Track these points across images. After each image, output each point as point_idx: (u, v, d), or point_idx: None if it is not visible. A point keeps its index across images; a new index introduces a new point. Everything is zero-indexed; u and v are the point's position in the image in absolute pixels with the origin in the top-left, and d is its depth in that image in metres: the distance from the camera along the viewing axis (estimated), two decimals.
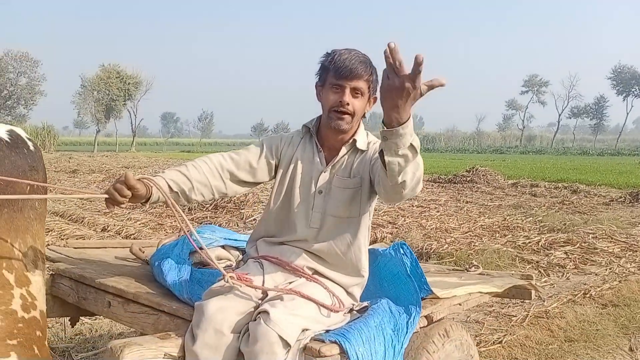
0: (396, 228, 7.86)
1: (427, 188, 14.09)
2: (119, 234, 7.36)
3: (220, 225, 7.89)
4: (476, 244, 6.71)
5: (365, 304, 2.09)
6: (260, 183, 2.17)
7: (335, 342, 1.72)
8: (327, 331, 1.85)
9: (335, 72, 1.96)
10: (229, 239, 2.66)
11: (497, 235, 7.53)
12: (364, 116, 2.09)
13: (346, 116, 1.98)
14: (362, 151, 2.08)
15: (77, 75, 58.08)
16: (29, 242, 1.89)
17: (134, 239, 6.95)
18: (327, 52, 2.04)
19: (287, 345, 1.68)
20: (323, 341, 1.74)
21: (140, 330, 2.18)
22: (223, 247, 2.60)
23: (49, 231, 7.25)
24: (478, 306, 4.35)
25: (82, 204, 10.33)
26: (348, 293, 2.10)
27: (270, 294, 1.88)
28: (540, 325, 4.11)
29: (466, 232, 7.65)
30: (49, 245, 2.97)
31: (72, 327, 2.82)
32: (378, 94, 1.98)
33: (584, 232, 7.36)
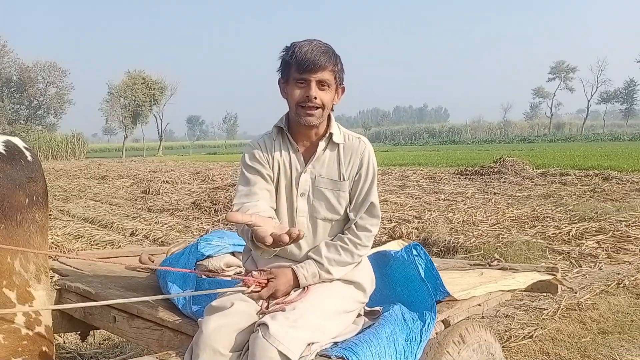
0: (422, 222, 7.78)
1: (453, 181, 13.94)
2: (147, 238, 7.45)
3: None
4: (504, 236, 6.60)
5: (377, 308, 2.03)
6: None
7: (342, 358, 1.65)
8: (335, 344, 1.77)
9: (297, 66, 1.87)
10: (239, 245, 2.60)
11: (526, 226, 7.39)
12: (332, 109, 1.99)
13: (315, 111, 1.90)
14: (340, 144, 2.00)
15: (104, 83, 59.21)
16: (30, 257, 1.83)
17: (162, 242, 7.04)
18: (286, 46, 1.94)
19: None
20: (329, 357, 1.67)
21: (145, 347, 2.18)
22: (232, 253, 2.56)
23: (79, 237, 7.40)
24: (508, 300, 4.27)
25: (112, 210, 10.52)
26: (355, 284, 1.99)
27: (272, 306, 1.79)
28: (572, 317, 4.01)
29: (494, 225, 7.53)
30: (57, 258, 2.99)
31: (83, 341, 2.84)
32: (345, 84, 2.01)
33: (617, 220, 7.17)
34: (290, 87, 1.92)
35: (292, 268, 1.88)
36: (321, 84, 1.89)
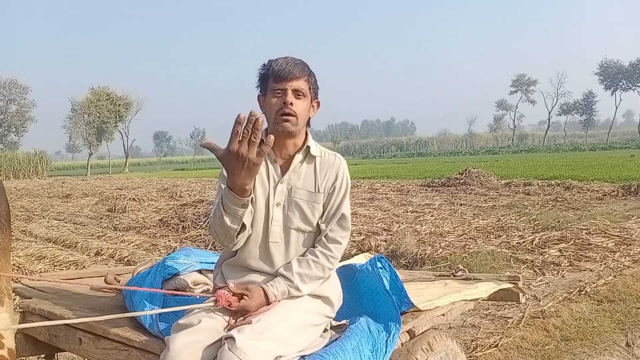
0: (391, 235, 7.85)
1: (421, 193, 14.12)
2: (113, 257, 7.31)
3: (214, 244, 7.87)
4: (470, 246, 6.71)
5: (344, 321, 2.06)
6: None
7: None
8: (302, 357, 1.79)
9: (274, 77, 1.97)
10: (206, 262, 2.60)
11: (492, 236, 7.53)
12: (308, 124, 2.07)
13: (291, 117, 1.96)
14: (317, 157, 2.07)
15: (67, 100, 58.12)
16: None
17: (128, 261, 6.92)
18: (263, 64, 2.04)
19: None
20: None
21: None
22: (199, 271, 2.55)
23: (41, 258, 7.21)
24: (474, 310, 4.33)
25: (76, 229, 10.29)
26: (323, 299, 2.03)
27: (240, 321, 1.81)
28: (536, 325, 4.10)
29: (461, 235, 7.65)
30: (20, 280, 2.92)
31: None
32: (320, 99, 2.11)
33: (578, 229, 7.35)
34: (268, 99, 1.99)
35: (262, 287, 1.89)
36: (297, 92, 1.97)
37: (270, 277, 1.98)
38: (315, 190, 2.03)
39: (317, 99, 2.09)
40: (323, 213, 2.04)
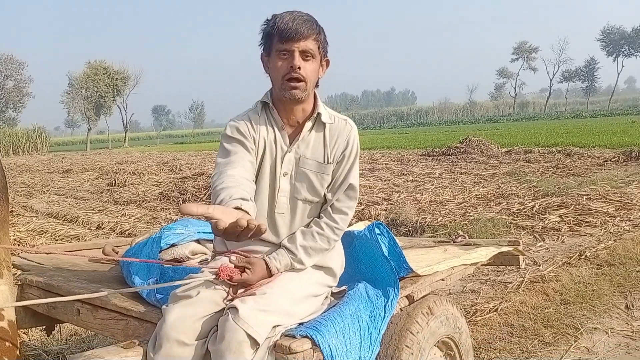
0: (391, 204, 7.85)
1: (421, 162, 14.09)
2: (114, 231, 7.33)
3: None
4: (471, 214, 6.71)
5: (342, 288, 2.03)
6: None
7: (306, 337, 1.66)
8: (300, 323, 1.77)
9: (280, 37, 1.79)
10: (204, 232, 2.57)
11: (492, 203, 7.53)
12: (317, 85, 1.93)
13: (300, 83, 1.82)
14: (327, 125, 1.94)
15: (65, 74, 57.68)
16: None
17: (129, 234, 6.94)
18: (267, 18, 1.86)
19: (255, 344, 1.60)
20: (294, 336, 1.67)
21: (111, 337, 2.15)
22: (197, 241, 2.53)
23: (42, 233, 7.23)
24: (474, 275, 4.36)
25: (76, 204, 10.30)
26: (325, 270, 1.99)
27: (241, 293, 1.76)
28: (535, 290, 4.12)
29: (461, 203, 7.65)
30: (20, 253, 2.91)
31: (48, 335, 2.79)
32: (329, 57, 1.94)
33: (578, 195, 7.35)
34: (273, 60, 1.85)
35: (264, 259, 1.85)
36: (305, 54, 1.82)
37: (275, 247, 1.93)
38: (324, 161, 1.93)
39: (326, 57, 1.93)
40: (330, 182, 1.96)
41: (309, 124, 1.93)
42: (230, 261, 1.79)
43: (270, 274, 1.84)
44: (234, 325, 1.59)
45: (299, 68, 1.81)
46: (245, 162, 1.86)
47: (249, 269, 1.78)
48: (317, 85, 1.94)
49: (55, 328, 2.76)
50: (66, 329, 3.55)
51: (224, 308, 1.71)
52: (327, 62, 1.95)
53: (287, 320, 1.74)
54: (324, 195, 1.96)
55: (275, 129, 1.94)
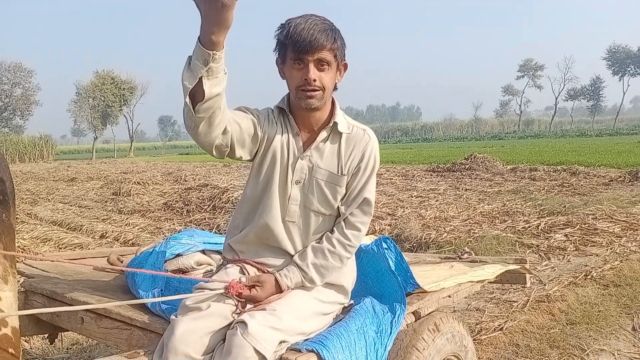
0: (395, 219, 7.82)
1: (426, 178, 14.06)
2: (117, 240, 7.33)
3: (218, 227, 7.88)
4: (475, 231, 6.68)
5: (350, 302, 2.02)
6: (238, 158, 1.84)
7: (312, 351, 1.65)
8: (307, 339, 1.75)
9: (294, 47, 1.75)
10: (209, 243, 2.57)
11: (497, 221, 7.49)
12: (335, 88, 1.88)
13: (316, 93, 1.78)
14: (343, 134, 1.89)
15: (72, 83, 58.06)
16: None
17: (132, 244, 6.93)
18: (281, 24, 1.80)
19: (263, 359, 1.58)
20: (299, 350, 1.66)
21: (115, 347, 2.14)
22: (203, 251, 2.52)
23: (46, 240, 7.24)
24: (478, 294, 4.32)
25: (81, 212, 10.31)
26: (337, 287, 1.96)
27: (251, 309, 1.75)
28: (541, 309, 4.08)
29: (465, 220, 7.61)
30: (24, 260, 2.91)
31: (51, 344, 2.78)
32: (347, 60, 1.89)
33: (584, 214, 7.30)
34: (288, 69, 1.81)
35: (275, 276, 1.82)
36: (320, 63, 1.78)
37: (288, 257, 1.89)
38: (338, 172, 1.88)
39: (344, 61, 1.88)
40: (345, 195, 1.91)
41: (323, 134, 1.89)
42: (240, 281, 1.77)
43: (280, 290, 1.81)
44: (243, 341, 1.57)
45: (315, 80, 1.78)
46: (247, 119, 1.80)
47: (259, 286, 1.76)
48: (335, 88, 1.90)
49: (58, 337, 2.75)
50: (67, 338, 3.54)
51: (232, 321, 1.69)
52: (345, 65, 1.90)
53: (295, 338, 1.73)
54: (338, 208, 1.91)
55: (290, 135, 1.89)
